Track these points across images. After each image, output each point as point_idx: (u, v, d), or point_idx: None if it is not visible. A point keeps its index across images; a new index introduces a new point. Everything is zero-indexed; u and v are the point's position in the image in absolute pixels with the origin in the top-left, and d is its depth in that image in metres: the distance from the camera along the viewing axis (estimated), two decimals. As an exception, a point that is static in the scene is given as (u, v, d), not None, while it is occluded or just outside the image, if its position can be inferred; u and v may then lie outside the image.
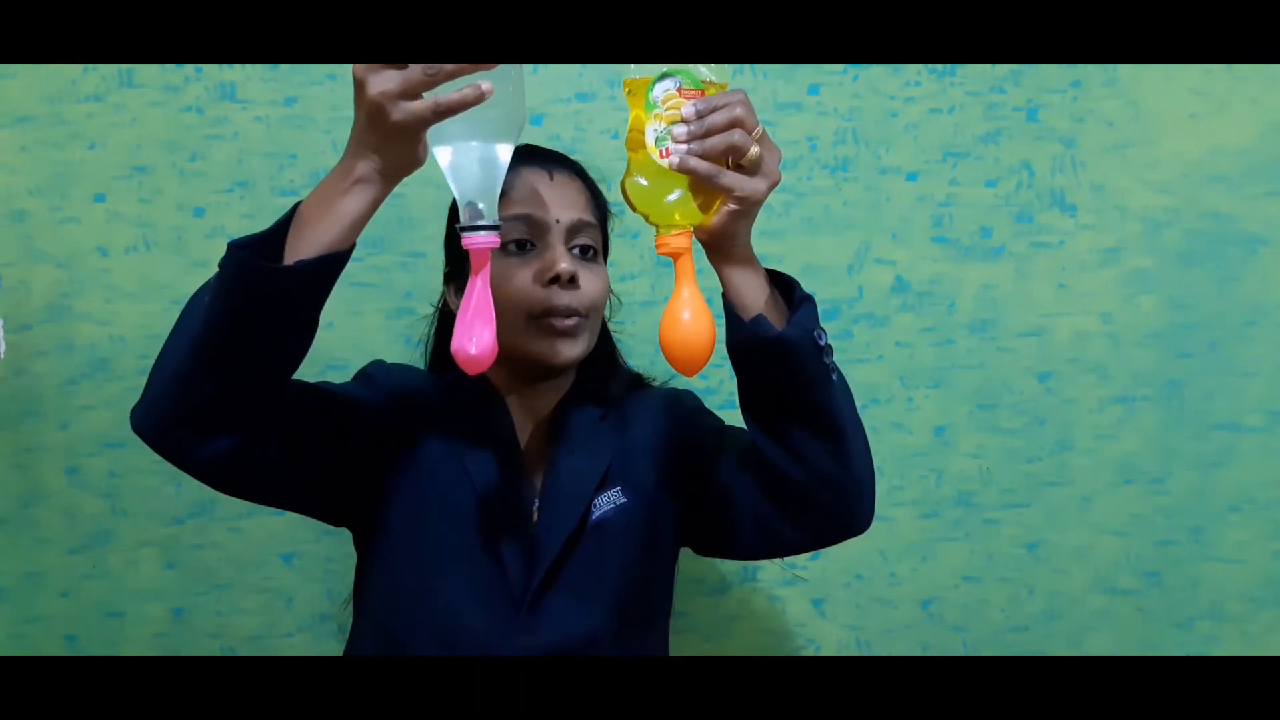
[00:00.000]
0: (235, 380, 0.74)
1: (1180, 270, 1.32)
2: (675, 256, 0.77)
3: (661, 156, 0.75)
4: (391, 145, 0.71)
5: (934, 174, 1.29)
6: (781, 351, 0.78)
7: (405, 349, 1.23)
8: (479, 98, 0.68)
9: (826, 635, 1.35)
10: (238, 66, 1.21)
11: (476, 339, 0.73)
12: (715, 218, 0.77)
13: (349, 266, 0.75)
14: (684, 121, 0.74)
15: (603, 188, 0.99)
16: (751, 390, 0.84)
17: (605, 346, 1.05)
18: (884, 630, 1.35)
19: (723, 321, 0.81)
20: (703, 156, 0.74)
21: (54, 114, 1.20)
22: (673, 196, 0.77)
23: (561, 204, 0.91)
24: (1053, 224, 1.31)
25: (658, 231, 0.78)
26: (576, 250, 0.92)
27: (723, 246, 0.80)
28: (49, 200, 1.21)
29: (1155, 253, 1.32)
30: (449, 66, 0.67)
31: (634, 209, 0.79)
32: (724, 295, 0.81)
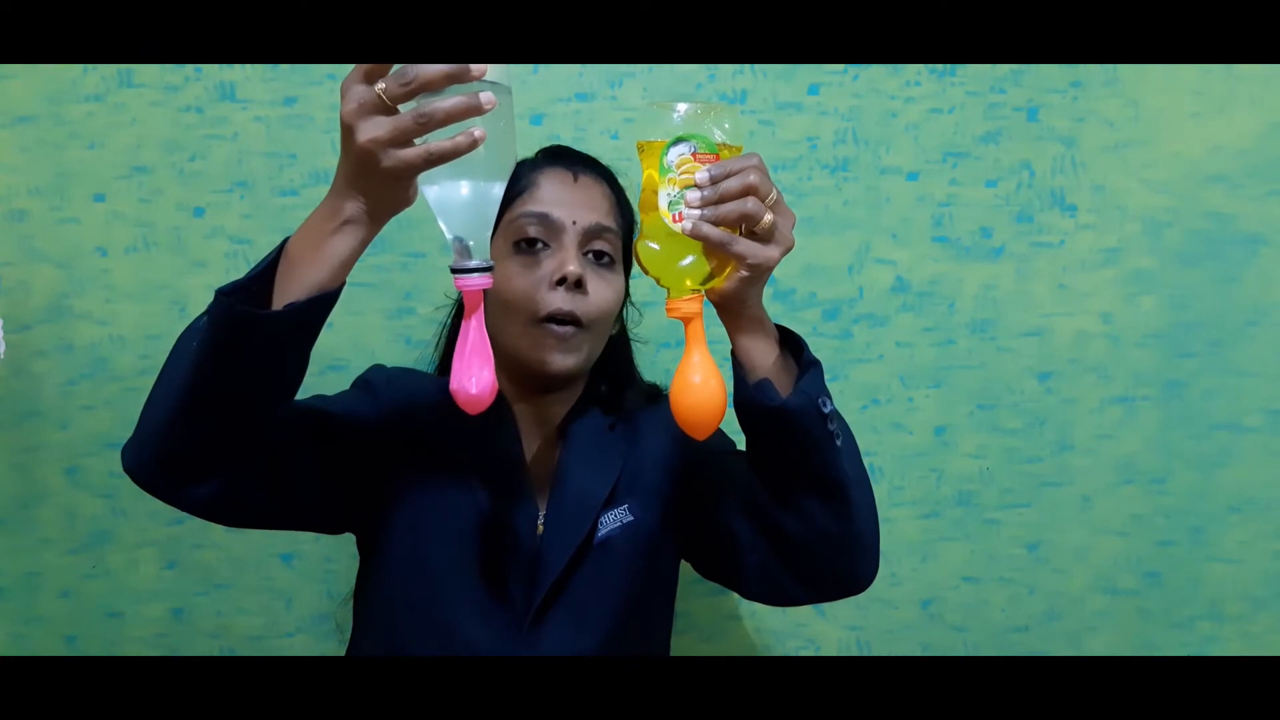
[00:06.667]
0: (224, 423, 0.73)
1: (1180, 270, 1.32)
2: (686, 321, 0.76)
3: (674, 221, 0.74)
4: (381, 189, 0.70)
5: (934, 174, 1.29)
6: (784, 418, 0.77)
7: (405, 349, 1.23)
8: (472, 145, 0.66)
9: (826, 635, 1.35)
10: (238, 66, 1.21)
11: (476, 378, 0.72)
12: (726, 282, 0.76)
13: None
14: (698, 186, 0.73)
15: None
16: (756, 448, 0.84)
17: (621, 356, 1.03)
18: (884, 630, 1.35)
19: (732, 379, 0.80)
20: (716, 222, 0.73)
21: (54, 114, 1.20)
22: (685, 261, 0.76)
23: (582, 206, 0.90)
24: (1053, 224, 1.31)
25: (669, 295, 0.76)
26: (591, 255, 0.90)
27: (733, 309, 0.79)
28: (49, 200, 1.20)
29: (1155, 253, 1.32)
30: (440, 111, 0.65)
31: (646, 272, 0.78)
32: (732, 355, 0.81)
